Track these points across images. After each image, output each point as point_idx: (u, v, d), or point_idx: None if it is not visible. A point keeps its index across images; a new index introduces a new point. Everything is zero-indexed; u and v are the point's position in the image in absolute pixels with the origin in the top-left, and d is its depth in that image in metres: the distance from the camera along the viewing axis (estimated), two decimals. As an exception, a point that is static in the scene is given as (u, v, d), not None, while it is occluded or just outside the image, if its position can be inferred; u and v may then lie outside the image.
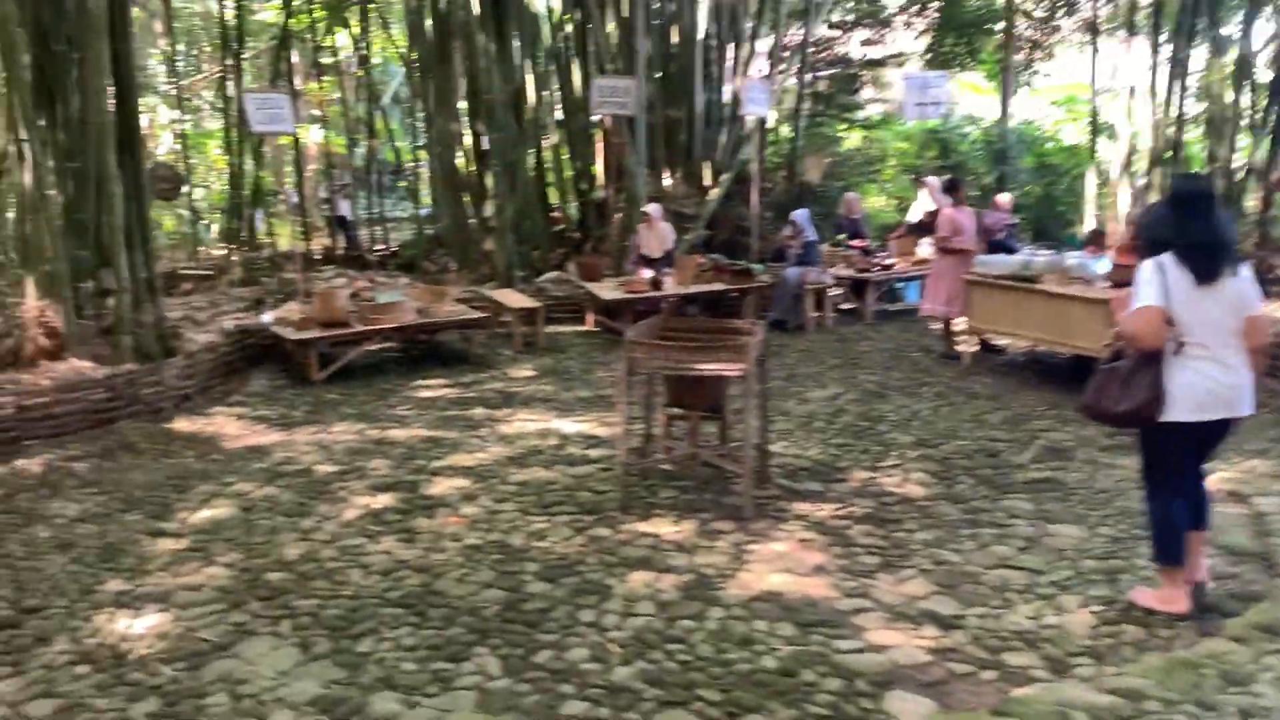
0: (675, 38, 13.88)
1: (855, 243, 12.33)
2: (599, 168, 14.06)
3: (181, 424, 7.69)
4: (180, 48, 20.20)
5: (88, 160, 7.97)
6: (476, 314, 10.03)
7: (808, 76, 16.40)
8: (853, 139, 18.90)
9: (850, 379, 8.73)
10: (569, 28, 14.17)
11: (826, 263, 11.51)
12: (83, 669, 3.88)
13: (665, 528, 5.22)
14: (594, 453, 6.63)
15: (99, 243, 8.13)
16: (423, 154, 16.96)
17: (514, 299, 10.65)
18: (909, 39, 19.00)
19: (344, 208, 17.67)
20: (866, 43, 18.96)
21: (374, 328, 9.27)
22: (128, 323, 8.23)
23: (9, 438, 6.95)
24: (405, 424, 7.56)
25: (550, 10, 14.47)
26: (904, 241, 12.26)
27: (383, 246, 16.77)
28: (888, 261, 11.86)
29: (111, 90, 8.33)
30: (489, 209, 13.38)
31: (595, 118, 13.27)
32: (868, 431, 7.09)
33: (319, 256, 15.65)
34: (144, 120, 10.97)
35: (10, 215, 9.62)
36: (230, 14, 15.11)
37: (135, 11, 21.20)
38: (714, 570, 4.68)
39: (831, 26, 18.54)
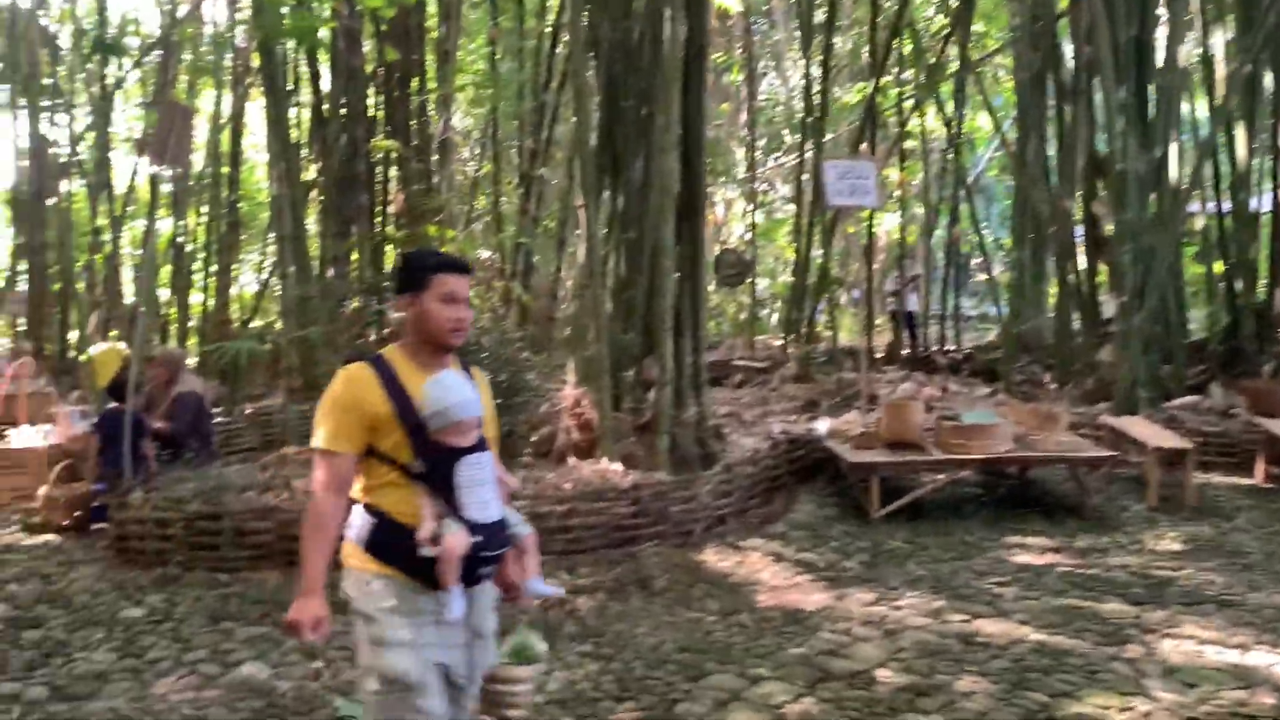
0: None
1: None
2: (1264, 260, 10.49)
3: (709, 555, 6.12)
4: (759, 135, 20.06)
5: (644, 231, 6.89)
6: (1096, 450, 7.34)
7: None
8: None
9: None
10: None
11: None
12: None
13: None
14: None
15: (647, 325, 6.99)
16: (1008, 243, 14.48)
17: (1151, 432, 7.72)
18: None
19: (912, 302, 15.83)
20: None
21: (956, 456, 7.05)
22: (667, 420, 6.95)
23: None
24: (1001, 610, 5.17)
25: (1207, 58, 11.27)
26: None
27: (952, 348, 14.56)
28: None
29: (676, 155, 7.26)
30: (1107, 308, 10.50)
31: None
32: None
33: (880, 354, 13.89)
34: (719, 209, 10.11)
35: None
36: (814, 96, 14.17)
37: (723, 107, 21.80)
38: None
39: None
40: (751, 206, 17.74)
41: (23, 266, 15.49)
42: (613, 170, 7.20)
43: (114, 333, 15.43)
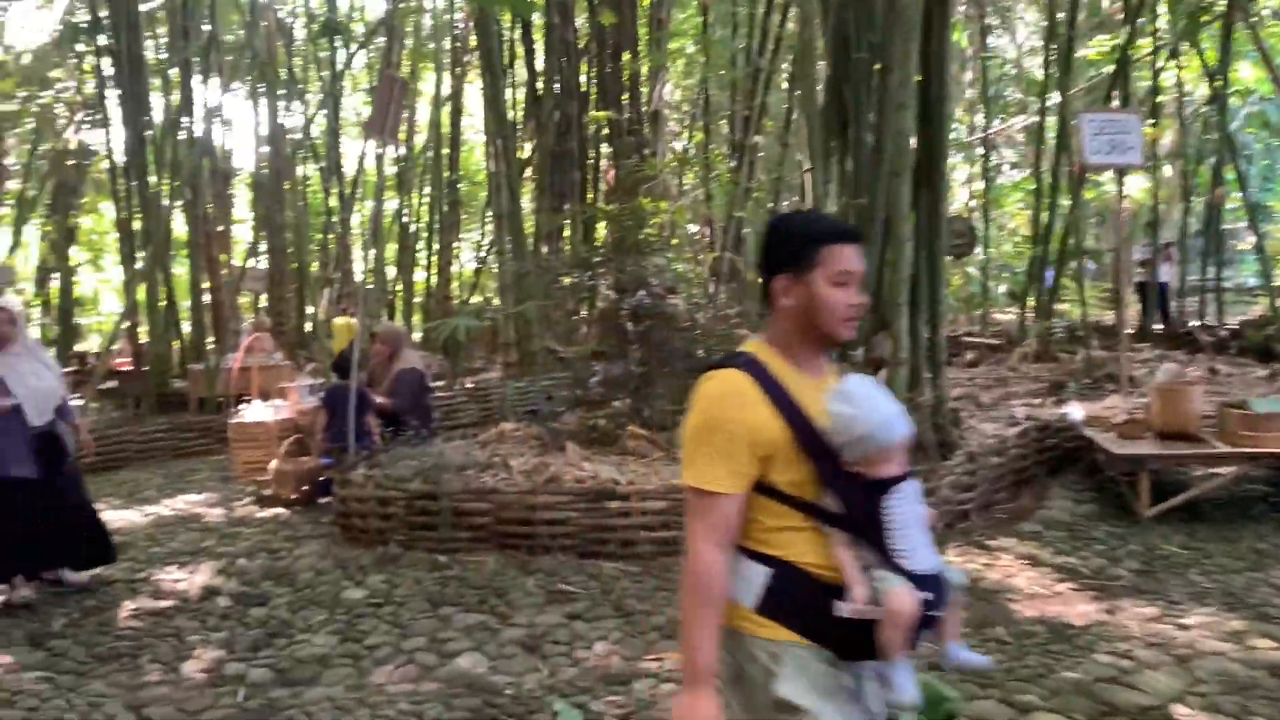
0: None
1: None
2: None
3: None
4: (988, 95, 18.68)
5: (876, 196, 6.29)
6: None
7: None
8: None
9: None
10: None
11: None
12: None
13: None
14: None
15: (878, 299, 6.39)
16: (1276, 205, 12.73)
17: None
18: None
19: (1164, 272, 14.25)
20: None
21: (1244, 450, 6.07)
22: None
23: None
24: (1315, 636, 4.33)
25: None
26: None
27: (1215, 323, 12.99)
28: None
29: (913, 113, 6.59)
30: None
31: None
32: None
33: (1129, 330, 12.57)
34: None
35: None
36: (1055, 49, 12.92)
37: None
38: None
39: None
40: (978, 171, 16.53)
41: (262, 246, 16.44)
42: (841, 131, 6.62)
43: (344, 309, 16.21)
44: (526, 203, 15.07)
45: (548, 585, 4.84)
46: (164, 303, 15.38)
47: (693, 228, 16.91)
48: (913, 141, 6.48)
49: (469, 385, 12.52)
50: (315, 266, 21.18)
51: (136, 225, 13.32)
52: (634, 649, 4.21)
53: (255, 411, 6.98)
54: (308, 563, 5.11)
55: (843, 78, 6.46)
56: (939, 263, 6.87)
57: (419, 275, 20.91)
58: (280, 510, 6.28)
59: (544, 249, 12.70)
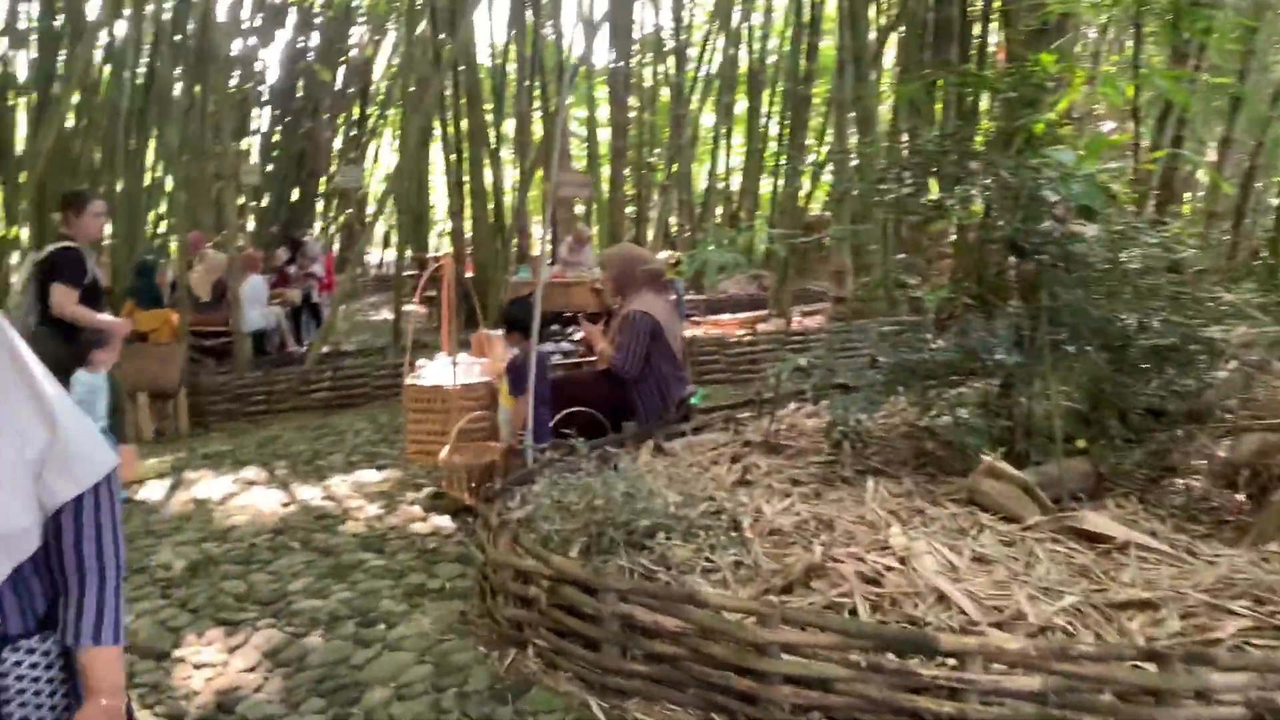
0: None
1: None
2: None
3: None
4: None
5: None
6: None
7: None
8: None
9: None
10: None
11: None
12: None
13: None
14: None
15: None
16: None
17: None
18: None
19: None
20: None
21: None
22: None
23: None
24: None
25: None
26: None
27: None
28: None
29: None
30: None
31: None
32: None
33: None
34: None
35: None
36: None
37: None
38: None
39: None
40: None
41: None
42: None
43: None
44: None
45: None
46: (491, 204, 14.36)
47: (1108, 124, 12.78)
48: None
49: (797, 321, 9.99)
50: (660, 174, 19.43)
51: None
52: None
53: (436, 371, 4.86)
54: (398, 661, 3.00)
55: None
56: None
57: (765, 184, 18.59)
58: (443, 522, 4.27)
59: (900, 146, 9.71)
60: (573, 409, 4.23)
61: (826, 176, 13.38)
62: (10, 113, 9.95)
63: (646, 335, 4.44)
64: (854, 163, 8.04)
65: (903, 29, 10.71)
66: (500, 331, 4.88)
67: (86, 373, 4.70)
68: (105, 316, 4.98)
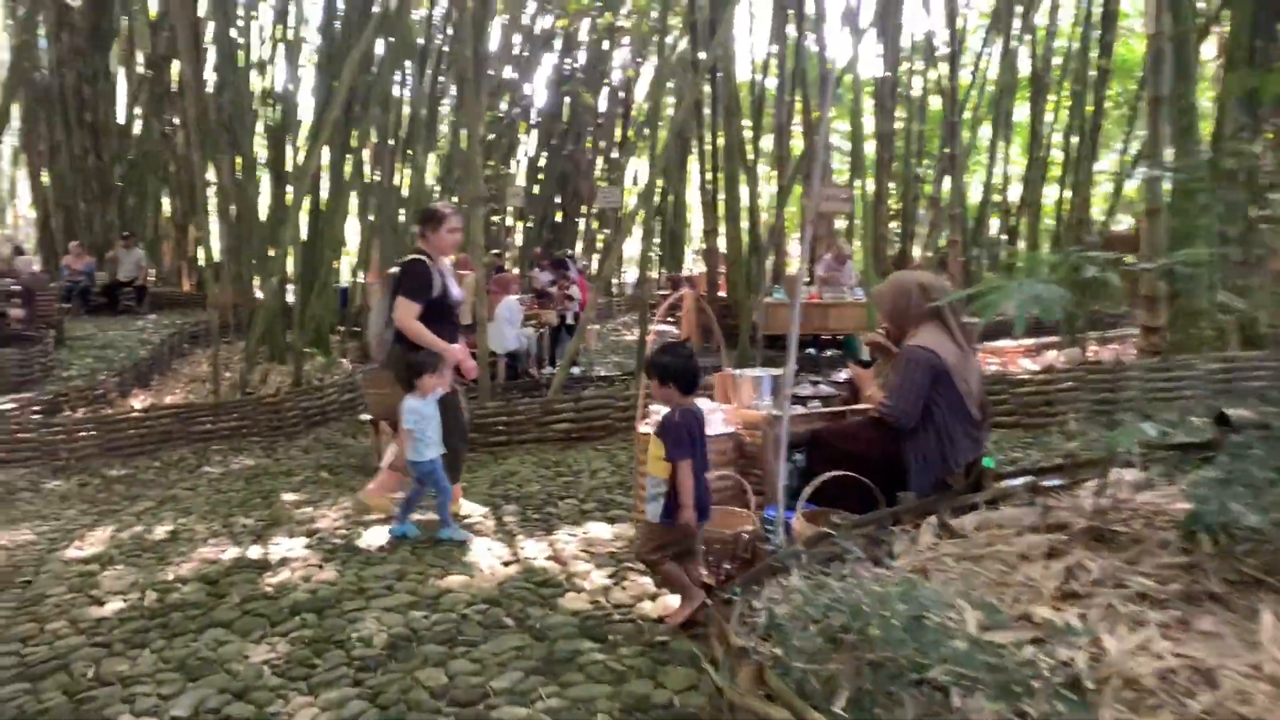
0: None
1: None
2: None
3: None
4: None
5: None
6: None
7: None
8: None
9: None
10: None
11: None
12: None
13: None
14: None
15: None
16: None
17: None
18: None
19: None
20: None
21: None
22: None
23: None
24: None
25: None
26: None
27: None
28: None
29: None
30: None
31: None
32: None
33: None
34: None
35: None
36: None
37: None
38: None
39: None
40: None
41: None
42: None
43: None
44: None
45: None
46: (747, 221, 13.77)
47: None
48: None
49: (1093, 350, 8.68)
50: (928, 186, 18.14)
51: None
52: None
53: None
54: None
55: None
56: None
57: (1050, 193, 16.90)
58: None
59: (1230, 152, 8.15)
60: (833, 473, 3.43)
61: (1132, 184, 11.75)
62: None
63: (927, 377, 3.57)
64: (1183, 169, 6.71)
65: (1228, 13, 9.10)
66: (742, 372, 4.16)
67: (414, 399, 4.47)
68: (437, 339, 4.66)
